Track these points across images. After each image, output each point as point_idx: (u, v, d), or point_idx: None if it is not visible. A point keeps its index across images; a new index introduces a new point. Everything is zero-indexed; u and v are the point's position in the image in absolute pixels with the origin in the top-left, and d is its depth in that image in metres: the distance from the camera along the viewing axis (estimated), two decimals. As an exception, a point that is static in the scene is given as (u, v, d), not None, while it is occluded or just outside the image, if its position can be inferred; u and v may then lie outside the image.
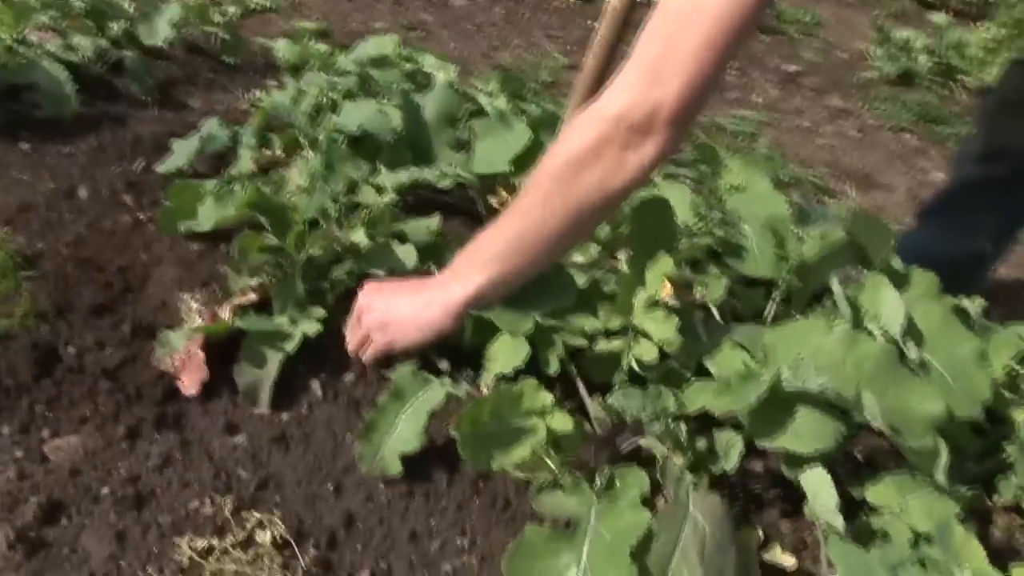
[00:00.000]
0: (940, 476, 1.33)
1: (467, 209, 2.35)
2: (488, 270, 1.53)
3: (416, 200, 2.33)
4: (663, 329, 1.49)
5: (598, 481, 1.36)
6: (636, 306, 1.54)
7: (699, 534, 1.25)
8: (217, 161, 2.40)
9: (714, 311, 1.81)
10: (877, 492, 1.40)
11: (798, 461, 1.38)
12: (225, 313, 1.70)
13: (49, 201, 2.19)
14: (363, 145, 2.31)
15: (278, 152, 2.41)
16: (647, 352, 1.50)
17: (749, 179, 2.14)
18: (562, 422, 1.37)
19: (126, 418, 1.60)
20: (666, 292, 1.81)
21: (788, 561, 1.36)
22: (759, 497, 1.54)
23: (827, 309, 1.73)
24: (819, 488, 1.34)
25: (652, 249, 1.56)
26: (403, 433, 1.49)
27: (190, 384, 1.65)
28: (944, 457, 1.33)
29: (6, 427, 1.57)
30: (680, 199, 1.91)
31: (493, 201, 2.39)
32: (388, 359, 1.68)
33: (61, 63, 2.60)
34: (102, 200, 2.20)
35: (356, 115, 2.25)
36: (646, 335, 1.52)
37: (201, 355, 1.65)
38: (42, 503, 1.43)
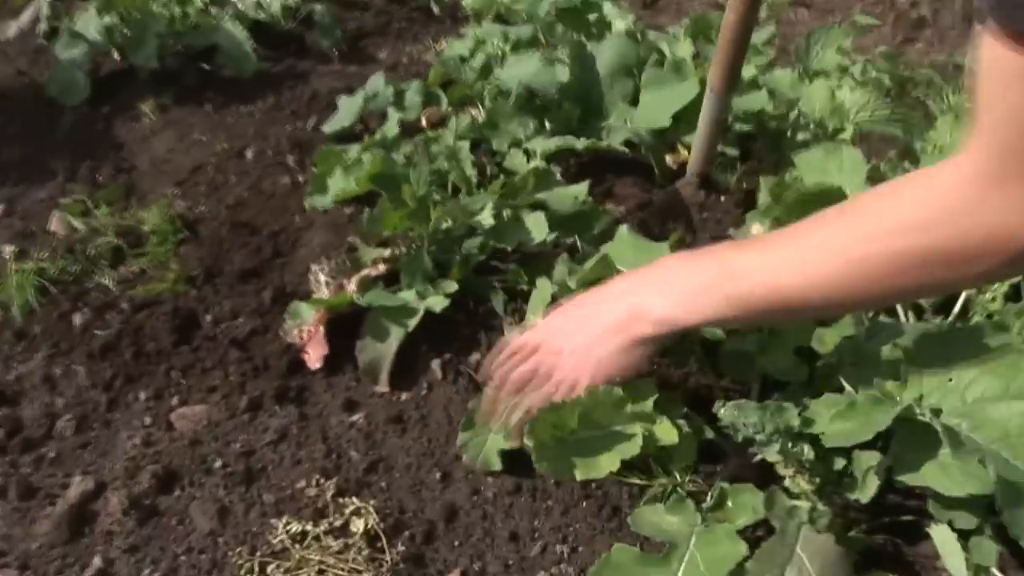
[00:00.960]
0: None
1: (644, 168, 2.19)
2: (728, 308, 1.15)
3: (592, 159, 2.20)
4: (799, 332, 1.29)
5: (709, 499, 1.21)
6: None
7: (804, 585, 1.08)
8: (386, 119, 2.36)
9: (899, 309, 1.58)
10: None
11: (946, 503, 1.17)
12: (351, 285, 1.65)
13: (219, 162, 2.23)
14: (534, 100, 2.20)
15: (447, 108, 2.34)
16: (780, 357, 1.31)
17: (957, 139, 1.85)
18: (667, 431, 1.22)
19: (250, 390, 1.60)
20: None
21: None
22: (914, 530, 1.32)
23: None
24: (946, 547, 1.11)
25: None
26: (506, 426, 1.38)
27: (314, 358, 1.62)
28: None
29: (143, 392, 1.60)
30: (853, 165, 1.66)
31: (670, 161, 2.22)
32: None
33: (247, 22, 2.64)
34: (266, 161, 2.21)
35: (519, 70, 2.14)
36: (779, 336, 1.33)
37: (322, 330, 1.61)
38: (159, 473, 1.44)
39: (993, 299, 1.55)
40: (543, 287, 1.58)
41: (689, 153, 2.21)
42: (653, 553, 1.15)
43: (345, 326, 1.64)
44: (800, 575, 1.09)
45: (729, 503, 1.20)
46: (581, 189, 1.78)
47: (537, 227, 1.65)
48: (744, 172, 2.08)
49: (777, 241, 1.16)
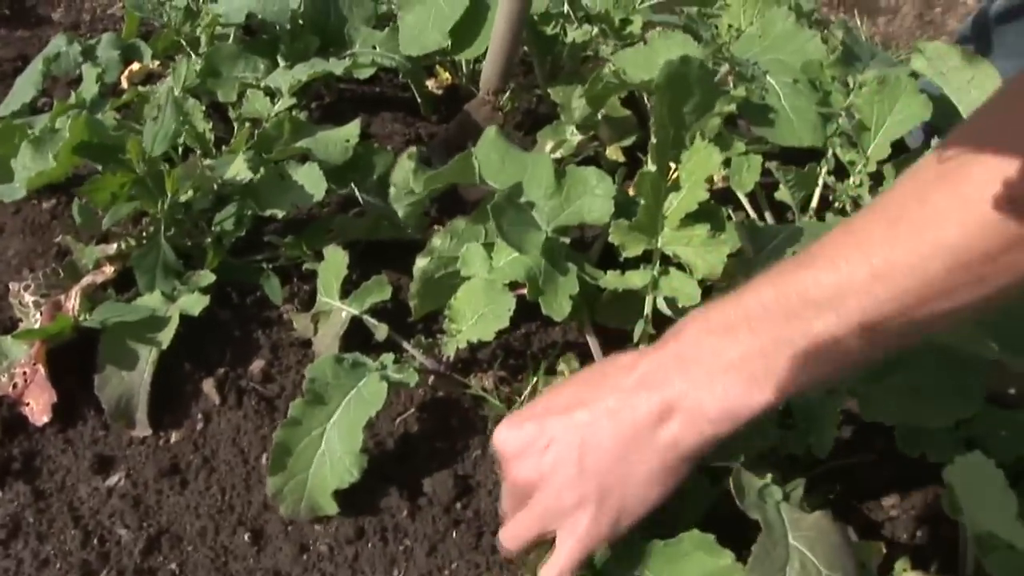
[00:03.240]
0: None
1: (400, 100, 1.84)
2: (820, 362, 0.75)
3: (336, 98, 1.84)
4: (709, 256, 0.98)
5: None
6: (666, 221, 1.02)
7: (810, 578, 0.80)
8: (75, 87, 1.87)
9: (745, 206, 1.32)
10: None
11: (916, 437, 0.92)
12: (71, 302, 1.21)
13: None
14: (259, 38, 1.79)
15: (153, 63, 1.88)
16: (684, 292, 1.00)
17: (762, 16, 1.61)
18: None
19: (-47, 473, 1.14)
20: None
21: (923, 584, 0.91)
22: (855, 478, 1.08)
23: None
24: (978, 486, 0.85)
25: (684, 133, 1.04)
26: (334, 456, 1.02)
27: (39, 410, 1.18)
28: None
29: None
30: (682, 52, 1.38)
31: (431, 85, 1.89)
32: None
33: None
34: (-79, 159, 1.68)
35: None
36: (681, 266, 1.03)
37: (42, 369, 1.17)
38: None
39: (858, 184, 1.33)
40: (333, 257, 1.22)
41: (450, 75, 1.90)
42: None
43: (73, 358, 1.22)
44: (805, 570, 0.80)
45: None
46: (351, 130, 1.41)
47: (312, 181, 1.27)
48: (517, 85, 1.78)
49: (861, 236, 0.75)
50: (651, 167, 0.99)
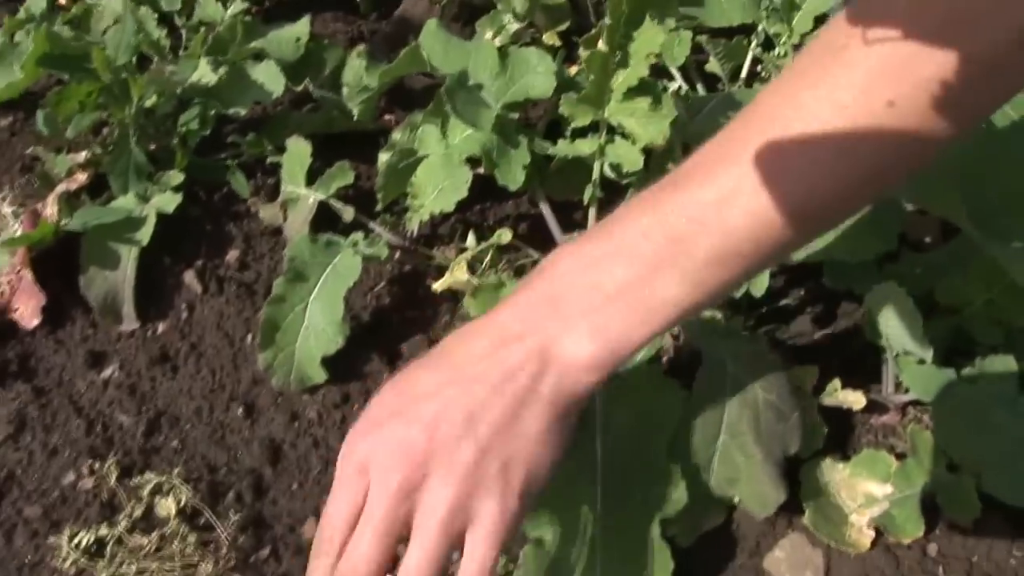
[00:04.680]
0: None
1: (338, 0, 1.88)
2: (694, 286, 0.66)
3: (275, 3, 1.87)
4: (650, 126, 1.07)
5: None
6: (613, 95, 1.09)
7: (750, 402, 0.91)
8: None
9: (677, 79, 1.40)
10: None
11: (842, 270, 1.03)
12: (49, 208, 1.27)
13: None
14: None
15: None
16: (628, 158, 1.09)
17: None
18: None
19: (-46, 378, 1.21)
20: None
21: (856, 401, 1.02)
22: (784, 312, 1.19)
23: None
24: (893, 312, 0.96)
25: (639, 16, 1.10)
26: (318, 328, 1.11)
27: (28, 313, 1.24)
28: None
29: None
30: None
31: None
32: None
33: None
34: None
35: None
36: (625, 135, 1.11)
37: (30, 274, 1.23)
38: None
39: (783, 55, 1.42)
40: (296, 147, 1.29)
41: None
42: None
43: (57, 262, 1.28)
44: (744, 396, 0.91)
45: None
46: (301, 28, 1.46)
47: (270, 78, 1.33)
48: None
49: (731, 145, 0.66)
50: (603, 46, 1.06)
